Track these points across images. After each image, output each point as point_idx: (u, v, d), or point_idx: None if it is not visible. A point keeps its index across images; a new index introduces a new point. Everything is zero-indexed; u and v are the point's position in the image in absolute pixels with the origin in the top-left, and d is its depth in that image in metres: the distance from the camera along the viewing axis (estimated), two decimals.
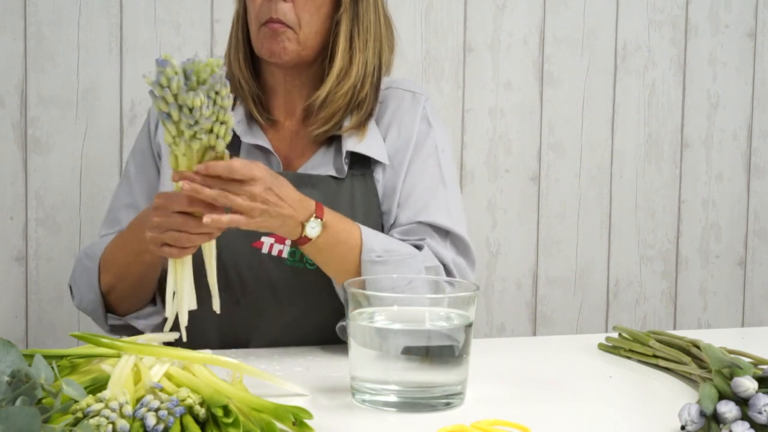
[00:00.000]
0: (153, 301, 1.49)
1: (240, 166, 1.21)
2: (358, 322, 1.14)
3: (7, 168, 2.02)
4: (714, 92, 2.46)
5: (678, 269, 2.47)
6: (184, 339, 1.24)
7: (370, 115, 1.51)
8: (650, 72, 2.40)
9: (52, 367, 1.00)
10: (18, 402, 0.92)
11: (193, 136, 1.17)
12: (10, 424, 0.87)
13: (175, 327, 1.24)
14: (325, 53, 1.48)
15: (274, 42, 1.44)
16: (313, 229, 1.30)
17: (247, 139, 1.49)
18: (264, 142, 1.50)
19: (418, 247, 1.44)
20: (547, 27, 2.32)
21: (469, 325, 1.14)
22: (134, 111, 2.06)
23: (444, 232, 1.47)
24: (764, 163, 2.50)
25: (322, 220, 1.30)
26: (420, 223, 1.47)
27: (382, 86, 1.54)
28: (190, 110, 1.15)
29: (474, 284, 1.18)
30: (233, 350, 1.40)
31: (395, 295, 1.20)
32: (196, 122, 1.16)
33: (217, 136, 1.18)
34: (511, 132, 2.32)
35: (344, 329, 1.38)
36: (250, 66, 1.51)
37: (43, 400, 0.96)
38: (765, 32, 2.47)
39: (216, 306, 1.25)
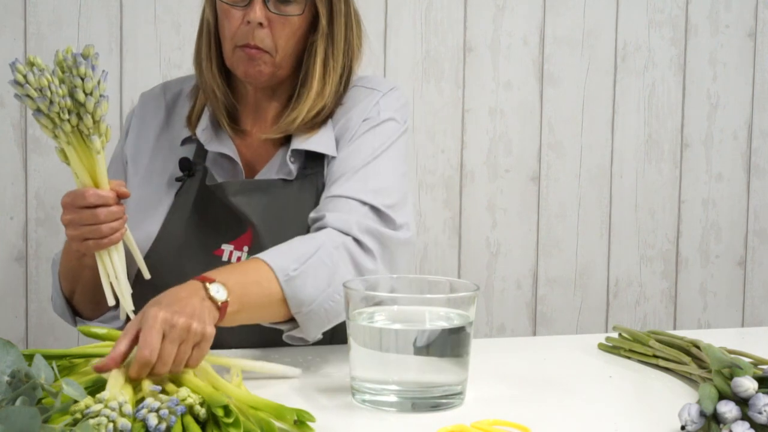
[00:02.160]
0: (115, 306, 1.48)
1: (129, 328, 1.15)
2: (358, 322, 1.14)
3: (7, 168, 2.02)
4: (714, 92, 2.46)
5: (678, 269, 2.47)
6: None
7: (328, 117, 1.49)
8: (650, 72, 2.40)
9: (52, 367, 1.00)
10: (18, 402, 0.92)
11: (59, 118, 1.23)
12: (10, 424, 0.87)
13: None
14: (298, 72, 1.48)
15: (250, 66, 1.43)
16: (218, 292, 1.19)
17: (212, 147, 1.48)
18: (229, 150, 1.49)
19: (322, 228, 1.37)
20: (547, 27, 2.32)
21: (469, 325, 1.14)
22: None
23: (359, 202, 1.40)
24: (764, 163, 2.50)
25: (215, 281, 1.20)
26: (331, 196, 1.41)
27: (350, 85, 1.53)
28: (48, 94, 1.21)
29: (474, 284, 1.18)
30: (233, 350, 1.40)
31: (395, 295, 1.20)
32: (51, 102, 1.21)
33: (80, 118, 1.24)
34: (511, 132, 2.32)
35: (293, 338, 1.36)
36: (223, 76, 1.50)
37: (43, 400, 0.96)
38: (765, 32, 2.47)
39: (146, 274, 1.34)
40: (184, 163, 1.48)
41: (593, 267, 2.41)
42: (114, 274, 1.30)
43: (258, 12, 1.40)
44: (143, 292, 1.44)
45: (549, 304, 2.38)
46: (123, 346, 1.11)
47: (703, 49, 2.44)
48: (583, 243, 2.39)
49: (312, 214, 1.43)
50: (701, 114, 2.45)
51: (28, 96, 1.21)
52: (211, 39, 1.49)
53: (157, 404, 0.98)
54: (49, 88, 1.21)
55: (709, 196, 2.48)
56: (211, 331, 1.14)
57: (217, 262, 1.43)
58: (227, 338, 1.41)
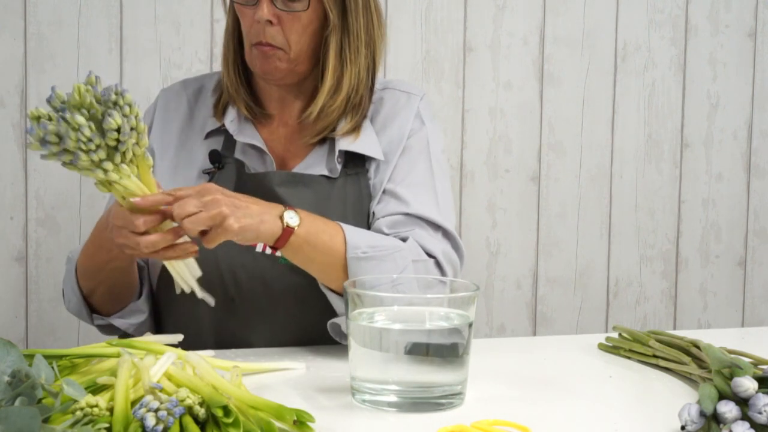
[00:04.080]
0: (137, 299, 1.49)
1: (186, 187, 1.24)
2: (358, 322, 1.14)
3: (7, 168, 2.02)
4: (714, 92, 2.46)
5: (678, 269, 2.47)
6: (211, 303, 1.30)
7: (364, 116, 1.51)
8: (650, 72, 2.40)
9: (52, 367, 1.00)
10: (18, 402, 0.92)
11: (123, 153, 1.19)
12: (10, 424, 0.87)
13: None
14: (319, 67, 1.49)
15: (265, 63, 1.45)
16: (291, 218, 1.29)
17: (241, 138, 1.50)
18: (258, 141, 1.50)
19: (404, 240, 1.42)
20: (547, 27, 2.32)
21: (469, 325, 1.14)
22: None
23: (434, 226, 1.46)
24: (764, 163, 2.50)
25: (295, 211, 1.30)
26: (408, 215, 1.46)
27: (379, 86, 1.55)
28: (117, 131, 1.17)
29: (474, 284, 1.18)
30: (232, 350, 1.40)
31: (395, 295, 1.20)
32: (118, 141, 1.17)
33: (136, 143, 1.20)
34: (511, 132, 2.32)
35: (335, 327, 1.39)
36: (242, 76, 1.52)
37: (43, 400, 0.96)
38: (765, 32, 2.47)
39: (180, 289, 1.31)
40: (214, 156, 1.49)
41: (593, 267, 2.41)
42: (181, 266, 1.29)
43: (265, 10, 1.41)
44: (170, 283, 1.43)
45: (549, 304, 2.38)
46: (162, 196, 1.21)
47: (703, 49, 2.44)
48: (583, 243, 2.39)
49: (387, 230, 1.45)
50: (701, 114, 2.45)
51: (65, 150, 1.17)
52: (230, 39, 1.52)
53: (156, 404, 0.98)
54: (120, 126, 1.17)
55: (709, 196, 2.48)
56: (234, 224, 1.22)
57: (250, 253, 1.44)
58: (249, 337, 1.43)
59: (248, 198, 1.29)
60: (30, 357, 1.01)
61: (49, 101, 1.18)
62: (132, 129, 1.19)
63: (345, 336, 1.38)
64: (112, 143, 1.17)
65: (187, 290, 1.30)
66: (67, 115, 1.15)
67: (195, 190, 1.24)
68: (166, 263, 1.30)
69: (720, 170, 2.48)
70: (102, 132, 1.17)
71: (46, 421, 0.92)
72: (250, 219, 1.25)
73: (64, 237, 2.05)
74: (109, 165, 1.19)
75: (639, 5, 2.38)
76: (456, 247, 1.48)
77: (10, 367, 0.97)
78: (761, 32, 2.47)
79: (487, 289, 2.33)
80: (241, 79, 1.51)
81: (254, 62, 1.46)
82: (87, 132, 1.15)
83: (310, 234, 1.31)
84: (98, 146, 1.17)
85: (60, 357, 1.15)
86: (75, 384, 0.99)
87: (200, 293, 1.29)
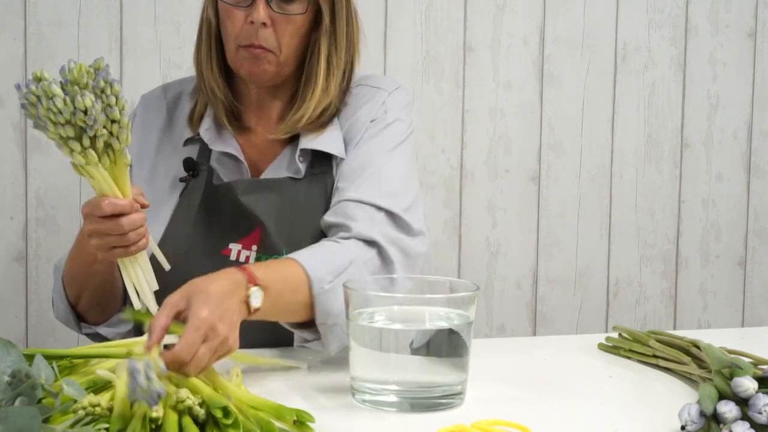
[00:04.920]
0: (121, 309, 1.48)
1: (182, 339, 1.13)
2: (358, 322, 1.14)
3: (7, 168, 2.02)
4: (714, 92, 2.46)
5: (678, 269, 2.47)
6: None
7: (332, 115, 1.49)
8: (650, 72, 2.40)
9: (53, 367, 1.00)
10: (18, 402, 0.92)
11: (93, 138, 1.19)
12: (10, 424, 0.87)
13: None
14: (301, 69, 1.48)
15: (254, 65, 1.43)
16: (256, 299, 1.21)
17: (216, 146, 1.48)
18: (234, 149, 1.49)
19: (347, 238, 1.37)
20: (547, 27, 2.32)
21: (469, 325, 1.14)
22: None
23: (375, 208, 1.41)
24: (764, 163, 2.50)
25: (258, 285, 1.21)
26: (348, 200, 1.42)
27: (353, 84, 1.53)
28: (84, 113, 1.17)
29: (474, 284, 1.18)
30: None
31: (395, 295, 1.20)
32: (86, 123, 1.17)
33: (111, 134, 1.19)
34: (511, 132, 2.32)
35: (301, 340, 1.38)
36: (223, 76, 1.50)
37: (43, 400, 0.96)
38: (765, 32, 2.47)
39: (166, 266, 1.31)
40: (189, 164, 1.48)
41: (593, 267, 2.41)
42: (137, 278, 1.28)
43: (261, 12, 1.40)
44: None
45: (549, 304, 2.38)
46: (163, 320, 1.11)
47: (703, 49, 2.44)
48: (583, 243, 2.39)
49: (330, 218, 1.42)
50: (701, 114, 2.45)
51: (49, 119, 1.17)
52: (212, 39, 1.49)
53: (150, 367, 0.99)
54: (88, 108, 1.17)
55: (709, 196, 2.48)
56: (236, 346, 1.15)
57: (224, 261, 1.43)
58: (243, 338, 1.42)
59: (217, 289, 1.16)
60: (30, 357, 1.01)
61: (60, 71, 1.19)
62: (113, 121, 1.19)
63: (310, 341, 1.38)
64: (80, 123, 1.17)
65: (139, 305, 1.28)
66: (47, 84, 1.16)
67: (200, 333, 1.11)
68: (123, 274, 1.28)
69: (720, 170, 2.48)
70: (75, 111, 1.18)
71: (46, 421, 0.92)
72: (232, 321, 1.16)
73: (64, 237, 2.05)
74: (76, 145, 1.19)
75: (639, 5, 2.38)
76: (403, 227, 1.42)
77: (10, 367, 0.97)
78: (761, 32, 2.47)
79: (487, 289, 2.33)
80: (220, 80, 1.49)
81: (241, 64, 1.44)
82: (59, 103, 1.16)
83: (276, 303, 1.24)
84: (67, 122, 1.17)
85: (60, 357, 1.15)
86: (75, 384, 0.99)
87: (154, 309, 1.27)
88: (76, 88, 1.17)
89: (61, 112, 1.17)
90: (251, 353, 1.35)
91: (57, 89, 1.16)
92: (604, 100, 2.38)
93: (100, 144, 1.20)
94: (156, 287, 1.29)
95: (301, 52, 1.47)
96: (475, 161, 2.29)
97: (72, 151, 1.20)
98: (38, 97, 1.17)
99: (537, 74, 2.32)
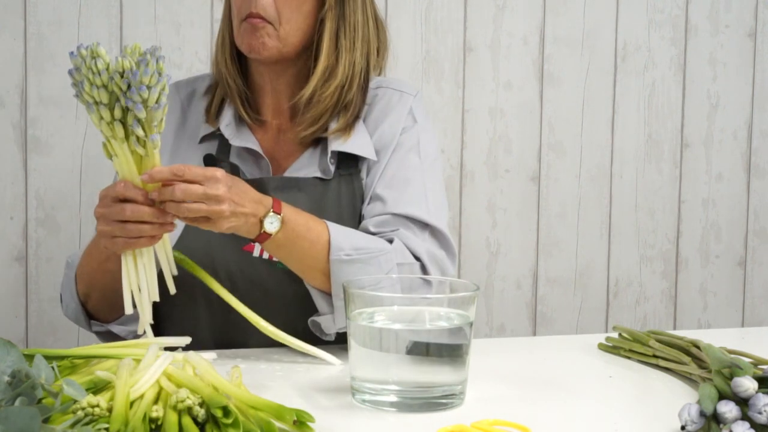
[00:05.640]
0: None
1: (197, 168, 1.23)
2: (358, 322, 1.14)
3: (7, 168, 2.02)
4: (714, 92, 2.46)
5: (678, 269, 2.47)
6: (151, 338, 1.27)
7: (357, 116, 1.50)
8: (650, 72, 2.40)
9: (53, 367, 1.00)
10: (18, 402, 0.92)
11: (125, 111, 1.20)
12: (10, 424, 0.87)
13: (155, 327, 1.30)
14: (309, 51, 1.48)
15: (253, 37, 1.43)
16: (271, 224, 1.29)
17: (236, 142, 1.49)
18: (254, 144, 1.50)
19: (390, 241, 1.41)
20: (547, 27, 2.32)
21: (470, 325, 1.14)
22: None
23: (421, 225, 1.45)
24: (764, 163, 2.51)
25: (279, 215, 1.30)
26: (395, 214, 1.45)
27: (372, 86, 1.54)
28: (121, 75, 1.18)
29: (474, 284, 1.18)
30: (233, 350, 1.40)
31: (395, 295, 1.20)
32: (127, 89, 1.18)
33: (147, 104, 1.20)
34: (511, 132, 2.32)
35: (316, 325, 1.40)
36: (236, 64, 1.51)
37: (43, 400, 0.96)
38: (765, 32, 2.47)
39: (171, 288, 1.31)
40: (209, 160, 1.48)
41: (593, 267, 2.41)
42: (137, 280, 1.26)
43: None
44: (167, 297, 1.43)
45: (549, 304, 2.38)
46: (166, 173, 1.21)
47: (703, 49, 2.44)
48: (583, 243, 2.39)
49: (375, 229, 1.44)
50: (701, 114, 2.45)
51: (88, 80, 1.19)
52: (225, 28, 1.51)
53: None
54: (126, 71, 1.19)
55: (709, 196, 2.48)
56: (227, 216, 1.24)
57: (247, 257, 1.44)
58: (247, 341, 1.42)
59: (245, 191, 1.28)
60: (30, 357, 1.01)
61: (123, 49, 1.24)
62: (143, 100, 1.19)
63: (324, 333, 1.38)
64: (116, 89, 1.18)
65: (131, 310, 1.27)
66: (96, 44, 1.20)
67: (203, 176, 1.22)
68: (123, 271, 1.27)
69: (720, 170, 2.48)
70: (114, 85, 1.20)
71: (46, 421, 0.92)
72: (237, 221, 1.26)
73: (64, 237, 2.05)
74: (106, 113, 1.20)
75: (639, 5, 2.38)
76: (445, 245, 1.47)
77: (10, 367, 0.97)
78: (761, 32, 2.47)
79: (487, 289, 2.33)
80: (236, 68, 1.50)
81: (242, 39, 1.45)
82: (101, 64, 1.19)
83: (288, 239, 1.31)
84: (103, 85, 1.19)
85: (60, 357, 1.15)
86: (75, 384, 0.99)
87: (146, 319, 1.28)
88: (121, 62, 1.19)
89: (99, 73, 1.18)
90: (247, 355, 1.36)
91: (103, 51, 1.19)
92: (604, 100, 2.38)
93: (129, 120, 1.20)
94: (156, 298, 1.28)
95: (305, 32, 1.47)
96: (475, 161, 2.29)
97: (101, 119, 1.20)
98: (83, 59, 1.19)
99: (537, 74, 2.32)
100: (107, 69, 1.18)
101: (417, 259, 1.42)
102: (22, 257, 2.04)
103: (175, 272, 1.31)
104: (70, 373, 1.14)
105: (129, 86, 1.19)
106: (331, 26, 1.47)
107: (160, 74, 1.20)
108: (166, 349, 1.25)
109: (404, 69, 2.23)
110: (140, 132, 1.20)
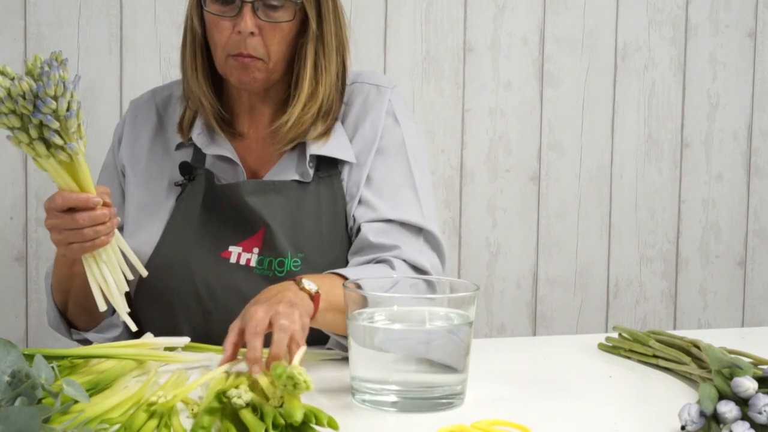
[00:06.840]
0: (110, 314, 1.48)
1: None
2: (358, 322, 1.14)
3: (7, 168, 2.02)
4: (714, 92, 2.46)
5: (678, 269, 2.47)
6: (133, 328, 1.29)
7: (335, 119, 1.50)
8: (650, 72, 2.40)
9: (53, 367, 1.00)
10: (18, 402, 0.92)
11: (40, 128, 1.18)
12: (10, 424, 0.87)
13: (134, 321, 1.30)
14: (290, 74, 1.48)
15: (244, 73, 1.43)
16: (309, 284, 1.24)
17: (210, 150, 1.48)
18: (229, 152, 1.48)
19: (391, 264, 1.40)
20: (547, 27, 2.32)
21: (470, 325, 1.14)
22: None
23: (417, 230, 1.45)
24: (764, 163, 2.51)
25: (303, 279, 1.25)
26: (390, 221, 1.44)
27: (348, 81, 1.53)
28: (23, 98, 1.16)
29: (474, 284, 1.18)
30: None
31: (395, 295, 1.20)
32: (33, 110, 1.17)
33: (59, 127, 1.18)
34: (511, 132, 2.32)
35: (338, 344, 1.38)
36: (210, 84, 1.49)
37: (43, 400, 0.96)
38: (765, 32, 2.47)
39: (143, 272, 1.32)
40: (185, 168, 1.48)
41: (593, 267, 2.41)
42: (102, 278, 1.27)
43: (249, 22, 1.39)
44: (146, 295, 1.43)
45: (549, 304, 2.38)
46: (230, 344, 1.17)
47: (703, 49, 2.44)
48: (583, 243, 2.39)
49: (375, 239, 1.42)
50: (701, 114, 2.45)
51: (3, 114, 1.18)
52: (197, 48, 1.48)
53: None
54: (26, 92, 1.17)
55: (709, 196, 2.48)
56: (307, 320, 1.18)
57: (224, 264, 1.43)
58: None
59: (265, 294, 1.23)
60: (30, 357, 1.01)
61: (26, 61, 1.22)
62: (53, 111, 1.18)
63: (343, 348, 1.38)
64: (23, 111, 1.17)
65: (104, 306, 1.27)
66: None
67: (237, 326, 1.18)
68: (87, 272, 1.27)
69: (720, 170, 2.48)
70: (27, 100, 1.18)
71: (46, 421, 0.92)
72: (289, 300, 1.19)
73: None
74: (23, 136, 1.18)
75: (639, 5, 2.38)
76: (437, 248, 1.47)
77: (10, 367, 0.97)
78: (761, 32, 2.47)
79: (487, 289, 2.33)
80: (207, 89, 1.48)
81: (231, 72, 1.43)
82: (1, 92, 1.16)
83: (328, 294, 1.26)
84: (11, 111, 1.17)
85: (60, 357, 1.15)
86: (75, 384, 0.99)
87: (123, 310, 1.27)
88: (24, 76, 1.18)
89: (2, 101, 1.17)
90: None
91: (1, 79, 1.17)
92: (604, 100, 2.38)
93: (46, 132, 1.19)
94: (126, 288, 1.29)
95: (289, 57, 1.46)
96: (475, 161, 2.29)
97: (20, 142, 1.20)
98: None
99: (537, 74, 2.32)
100: (9, 94, 1.17)
101: (422, 271, 1.42)
102: (22, 257, 2.04)
103: (136, 258, 1.32)
104: (70, 373, 1.14)
105: (35, 104, 1.17)
106: (312, 52, 1.46)
107: (64, 83, 1.18)
108: (166, 349, 1.25)
109: (404, 69, 2.23)
110: (59, 141, 1.19)
